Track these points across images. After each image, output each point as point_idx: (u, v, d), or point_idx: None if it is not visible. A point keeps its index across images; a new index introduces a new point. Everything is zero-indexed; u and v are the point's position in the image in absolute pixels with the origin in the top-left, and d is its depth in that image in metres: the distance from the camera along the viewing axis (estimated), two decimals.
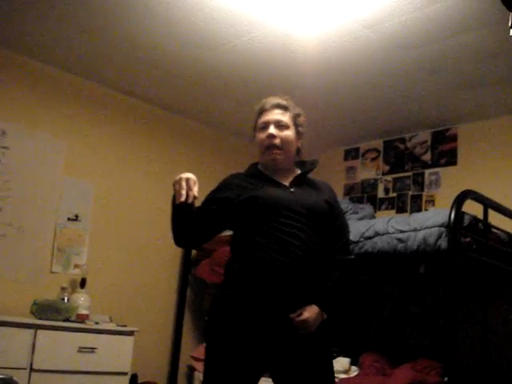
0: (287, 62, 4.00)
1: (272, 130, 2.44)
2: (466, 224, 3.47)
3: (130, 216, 4.80)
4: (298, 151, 2.56)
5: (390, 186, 5.21)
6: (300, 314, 2.23)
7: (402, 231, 3.71)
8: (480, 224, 3.60)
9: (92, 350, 3.88)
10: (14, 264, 4.12)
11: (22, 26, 3.82)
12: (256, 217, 2.34)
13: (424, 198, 4.93)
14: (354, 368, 4.24)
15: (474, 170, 4.64)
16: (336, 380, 3.99)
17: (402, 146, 5.20)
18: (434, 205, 4.82)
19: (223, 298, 2.33)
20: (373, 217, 4.78)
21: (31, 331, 3.66)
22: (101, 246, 4.58)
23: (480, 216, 3.61)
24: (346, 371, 4.17)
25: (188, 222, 2.35)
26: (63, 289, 4.18)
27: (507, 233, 3.92)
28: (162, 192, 4.98)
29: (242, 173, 2.57)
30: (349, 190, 5.48)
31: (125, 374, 4.04)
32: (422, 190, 4.97)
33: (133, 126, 4.90)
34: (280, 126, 2.45)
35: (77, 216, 4.47)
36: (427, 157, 5.00)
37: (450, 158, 4.84)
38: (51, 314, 3.86)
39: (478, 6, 3.17)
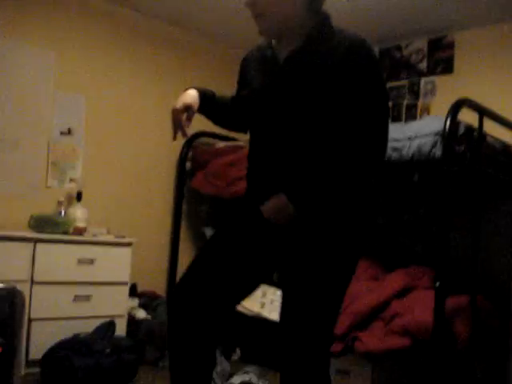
0: None
1: None
2: (461, 133, 3.44)
3: (124, 128, 4.77)
4: (312, 2, 1.94)
5: None
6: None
7: (396, 140, 3.68)
8: (475, 133, 3.58)
9: (91, 261, 3.96)
10: (10, 180, 4.13)
11: None
12: (247, 119, 2.15)
13: (419, 107, 4.88)
14: None
15: (470, 78, 4.56)
16: None
17: (397, 54, 5.10)
18: (428, 114, 4.78)
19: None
20: None
21: (30, 245, 3.73)
22: (95, 159, 4.57)
23: (475, 125, 3.59)
24: None
25: (220, 115, 2.19)
26: (60, 203, 4.20)
27: (502, 142, 3.91)
28: (157, 103, 4.94)
29: (255, 48, 2.14)
30: None
31: (125, 283, 4.14)
32: (418, 99, 4.92)
33: (125, 37, 4.77)
34: None
35: (69, 130, 4.43)
36: (423, 65, 4.92)
37: (446, 66, 4.77)
38: (49, 227, 3.90)
39: None
